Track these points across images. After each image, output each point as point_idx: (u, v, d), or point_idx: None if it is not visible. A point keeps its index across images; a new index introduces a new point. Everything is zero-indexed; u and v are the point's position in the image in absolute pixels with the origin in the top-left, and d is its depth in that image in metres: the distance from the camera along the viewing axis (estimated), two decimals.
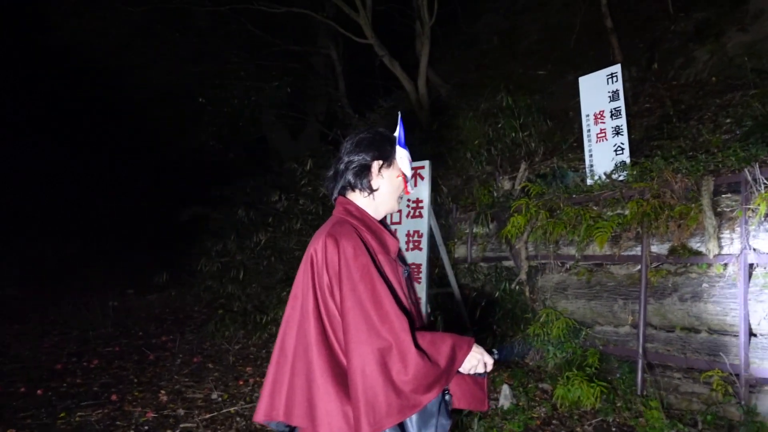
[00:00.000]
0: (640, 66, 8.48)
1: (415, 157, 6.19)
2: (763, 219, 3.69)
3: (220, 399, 4.91)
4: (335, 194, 1.85)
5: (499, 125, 7.63)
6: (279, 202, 7.89)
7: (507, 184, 6.56)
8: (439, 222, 6.97)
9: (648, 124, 6.57)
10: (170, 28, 10.93)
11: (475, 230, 6.42)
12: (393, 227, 5.26)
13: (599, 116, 5.38)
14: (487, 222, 6.20)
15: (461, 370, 1.68)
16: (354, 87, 12.88)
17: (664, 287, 4.28)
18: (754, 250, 3.75)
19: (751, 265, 3.77)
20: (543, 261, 5.47)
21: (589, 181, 5.31)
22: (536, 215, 5.39)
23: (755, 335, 3.71)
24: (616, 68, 5.28)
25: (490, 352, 1.75)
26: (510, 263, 5.81)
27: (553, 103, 8.82)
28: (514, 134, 7.46)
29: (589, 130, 5.47)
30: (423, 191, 5.09)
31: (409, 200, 5.16)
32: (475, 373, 1.72)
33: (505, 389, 4.46)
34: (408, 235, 5.11)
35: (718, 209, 4.02)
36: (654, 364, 4.29)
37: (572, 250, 5.08)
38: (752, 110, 5.11)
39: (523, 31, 11.62)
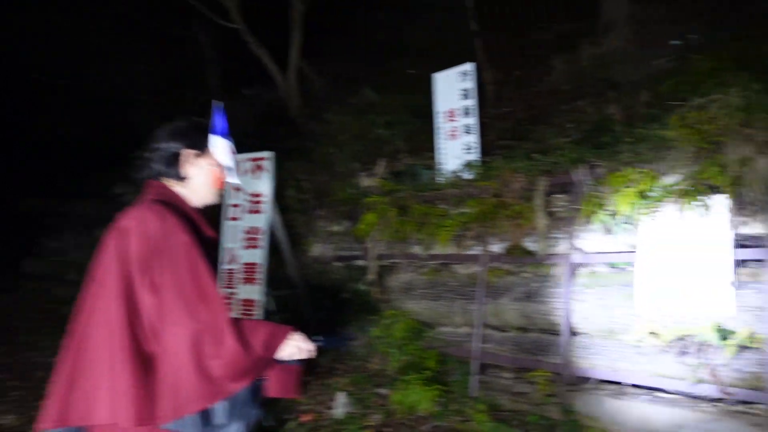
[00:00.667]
0: (506, 71, 8.69)
1: (279, 151, 5.76)
2: (587, 220, 3.71)
3: (15, 423, 4.15)
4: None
5: (364, 121, 7.42)
6: (125, 194, 7.07)
7: (366, 181, 6.34)
8: (299, 219, 6.62)
9: (504, 126, 6.66)
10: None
11: (331, 228, 6.12)
12: (231, 223, 4.80)
13: (451, 114, 5.29)
14: (342, 219, 5.92)
15: (279, 357, 1.67)
16: (231, 74, 12.14)
17: (500, 287, 4.23)
18: (579, 250, 3.77)
19: (576, 265, 3.78)
20: (394, 260, 5.28)
21: (440, 180, 5.19)
22: (386, 213, 5.19)
23: (576, 334, 3.73)
24: (469, 66, 5.23)
25: (314, 339, 1.76)
26: (364, 263, 5.56)
27: (429, 102, 8.79)
28: (379, 130, 7.27)
29: (441, 128, 5.37)
30: (264, 185, 4.67)
31: (249, 194, 4.71)
32: (292, 361, 1.72)
33: (341, 397, 4.18)
34: (246, 231, 4.66)
35: (551, 209, 4.03)
36: (489, 365, 4.22)
37: (421, 249, 4.93)
38: (590, 116, 5.29)
39: (415, 29, 11.57)
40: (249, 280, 4.51)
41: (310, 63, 10.14)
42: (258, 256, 4.57)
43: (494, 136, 6.43)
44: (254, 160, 4.69)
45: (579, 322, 3.68)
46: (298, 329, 1.76)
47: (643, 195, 3.40)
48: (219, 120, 1.87)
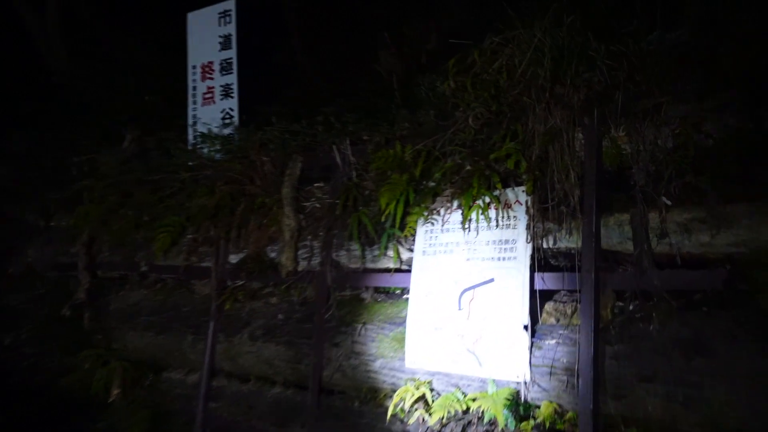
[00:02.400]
0: (321, 40, 7.30)
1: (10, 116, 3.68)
2: (347, 221, 2.38)
3: None
4: None
5: (135, 81, 5.53)
6: None
7: (112, 160, 4.52)
8: (23, 209, 4.64)
9: (300, 100, 5.25)
10: None
11: (56, 223, 4.24)
12: None
13: (208, 69, 3.71)
14: (64, 212, 4.08)
15: None
16: None
17: (237, 317, 2.78)
18: (338, 266, 2.44)
19: (332, 289, 2.44)
20: (121, 272, 3.59)
21: (187, 159, 3.59)
22: (107, 203, 3.49)
23: (331, 392, 2.40)
24: (230, 5, 3.67)
25: None
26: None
27: None
28: (150, 97, 5.43)
29: (194, 88, 3.77)
30: None
31: None
32: None
33: None
34: None
35: (306, 204, 2.64)
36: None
37: (148, 258, 3.31)
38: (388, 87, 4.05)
39: None
40: None
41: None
42: None
43: (280, 107, 4.99)
44: None
45: (333, 375, 2.35)
46: None
47: (417, 185, 2.15)
48: None
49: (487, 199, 1.91)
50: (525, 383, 1.81)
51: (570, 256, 1.80)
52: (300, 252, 2.55)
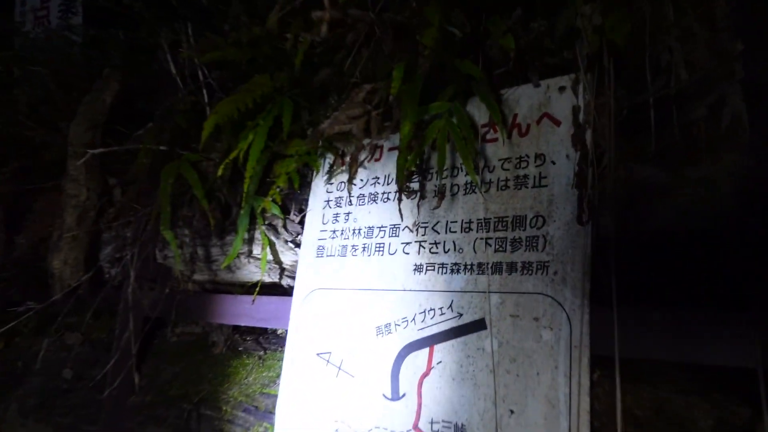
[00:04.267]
0: None
1: None
2: (183, 190, 1.10)
3: None
4: None
5: None
6: None
7: None
8: None
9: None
10: None
11: None
12: None
13: None
14: None
15: None
16: None
17: (14, 367, 1.47)
18: (161, 277, 1.16)
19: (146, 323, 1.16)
20: None
21: None
22: None
23: None
24: None
25: None
26: None
27: None
28: None
29: (24, 3, 2.42)
30: None
31: None
32: None
33: None
34: None
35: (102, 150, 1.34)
36: None
37: None
38: None
39: None
40: None
41: None
42: None
43: None
44: None
45: None
46: None
47: (302, 92, 0.89)
48: None
49: (474, 108, 0.66)
50: None
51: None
52: (106, 250, 1.27)
